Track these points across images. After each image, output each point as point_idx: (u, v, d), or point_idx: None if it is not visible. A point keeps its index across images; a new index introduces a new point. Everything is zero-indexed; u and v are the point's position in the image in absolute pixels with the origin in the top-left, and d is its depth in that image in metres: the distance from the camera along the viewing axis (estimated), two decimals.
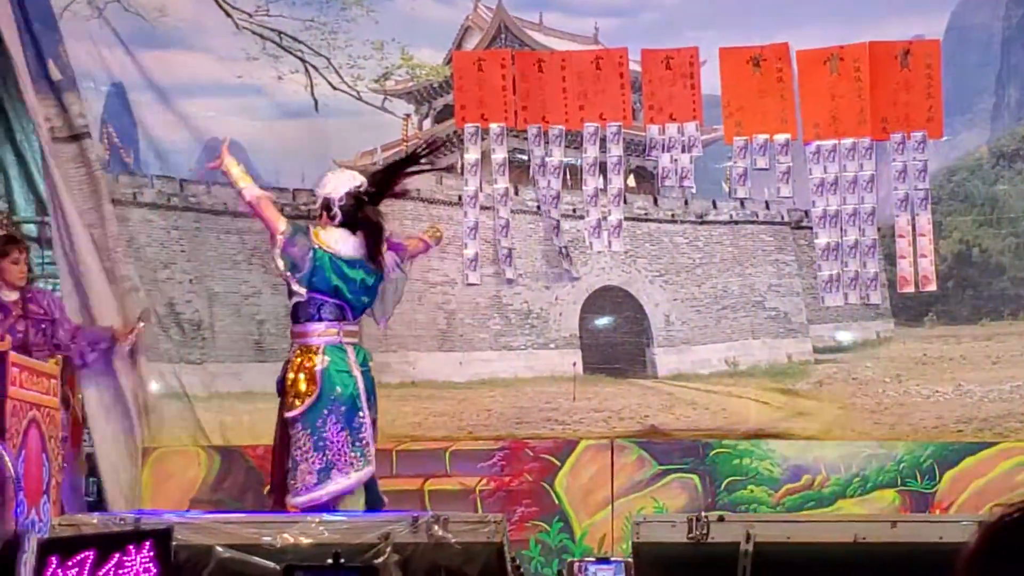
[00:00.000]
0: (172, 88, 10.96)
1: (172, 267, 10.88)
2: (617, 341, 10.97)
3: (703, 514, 6.23)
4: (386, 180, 7.75)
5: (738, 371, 10.84)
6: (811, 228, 10.19)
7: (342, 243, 7.88)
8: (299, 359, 7.72)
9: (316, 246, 7.86)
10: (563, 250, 10.05)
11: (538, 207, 10.55)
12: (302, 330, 7.91)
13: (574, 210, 10.64)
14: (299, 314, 7.88)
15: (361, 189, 7.80)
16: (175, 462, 10.29)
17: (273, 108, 11.25)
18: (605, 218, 10.12)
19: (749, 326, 10.95)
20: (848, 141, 9.83)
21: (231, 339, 10.97)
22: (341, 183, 7.77)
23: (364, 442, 7.72)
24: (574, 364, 10.73)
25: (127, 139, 10.94)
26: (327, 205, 7.80)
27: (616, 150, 10.03)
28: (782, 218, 11.12)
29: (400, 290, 7.92)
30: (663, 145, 10.01)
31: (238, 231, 11.05)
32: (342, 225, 8.13)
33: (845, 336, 10.88)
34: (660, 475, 10.08)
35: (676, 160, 10.00)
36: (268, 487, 7.88)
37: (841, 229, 9.90)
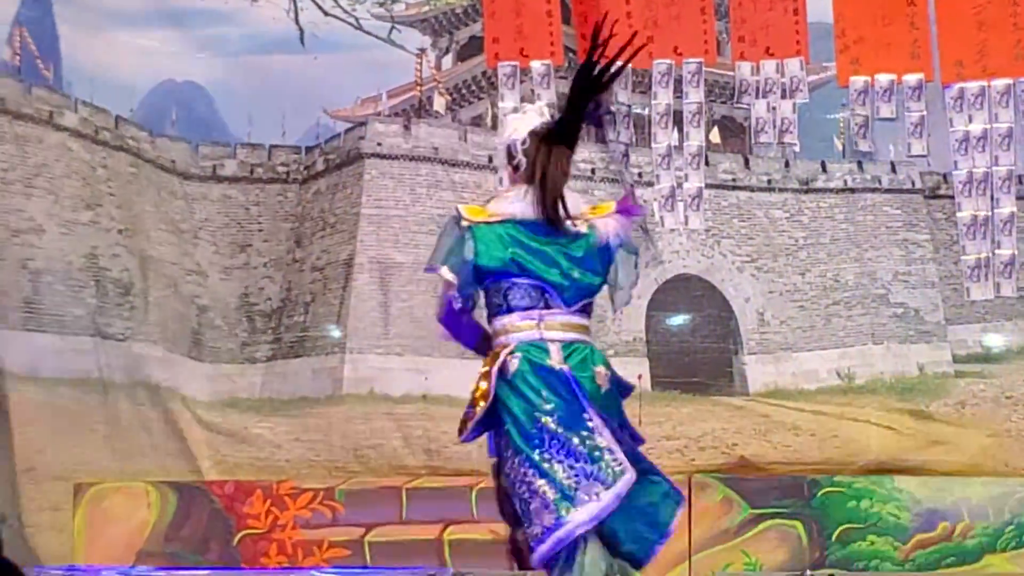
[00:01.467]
0: (115, 12, 11.05)
1: (97, 210, 10.89)
2: (695, 347, 11.04)
3: (809, 573, 6.04)
4: (574, 106, 7.16)
5: (854, 386, 10.92)
6: (951, 197, 10.04)
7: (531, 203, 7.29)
8: (483, 367, 7.27)
9: (471, 223, 7.29)
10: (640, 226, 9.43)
11: (592, 171, 10.60)
12: (492, 332, 7.39)
13: (640, 174, 10.64)
14: (488, 313, 7.37)
15: (548, 125, 7.28)
16: (117, 502, 10.20)
17: (245, 40, 11.41)
18: (680, 185, 9.93)
19: (869, 327, 11.01)
20: (1001, 83, 9.63)
21: (166, 316, 11.04)
22: (524, 123, 7.27)
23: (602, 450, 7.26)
24: (639, 377, 10.75)
25: (47, 52, 11.02)
26: (510, 153, 7.30)
27: (695, 95, 9.86)
28: (913, 184, 11.22)
29: (631, 270, 7.36)
30: (757, 89, 9.84)
31: (186, 196, 11.21)
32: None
33: (996, 340, 10.94)
34: (753, 521, 9.93)
35: (774, 108, 9.85)
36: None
37: (992, 197, 9.72)
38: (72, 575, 6.83)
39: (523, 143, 7.05)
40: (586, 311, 6.55)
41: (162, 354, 10.91)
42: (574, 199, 6.56)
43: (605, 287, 6.58)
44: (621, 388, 6.58)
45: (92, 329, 10.72)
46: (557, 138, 7.00)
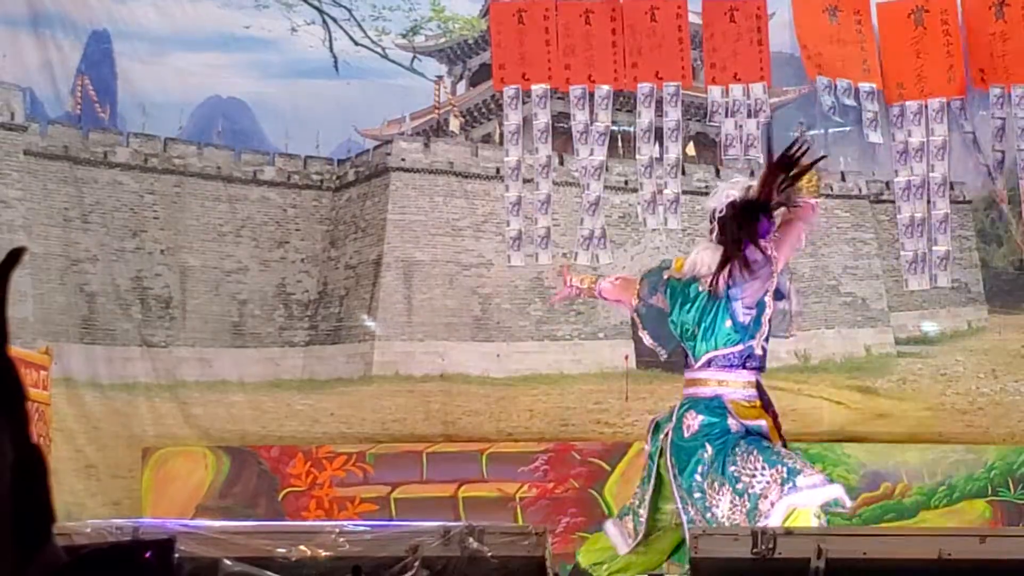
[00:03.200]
0: (168, 38, 11.09)
1: (142, 236, 10.99)
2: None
3: (768, 528, 6.25)
4: (767, 184, 6.71)
5: (810, 366, 10.88)
6: (893, 202, 10.23)
7: (700, 263, 6.77)
8: None
9: (670, 276, 7.08)
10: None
11: (625, 182, 10.73)
12: None
13: (626, 182, 10.77)
14: None
15: (744, 195, 6.86)
16: (179, 464, 10.40)
17: (285, 65, 11.36)
18: (661, 191, 10.18)
19: (822, 314, 10.99)
20: (936, 101, 9.84)
21: (203, 320, 11.09)
22: (723, 190, 6.97)
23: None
24: (626, 358, 10.80)
25: (105, 93, 11.07)
26: (711, 218, 7.02)
27: (674, 114, 10.08)
28: (859, 191, 11.14)
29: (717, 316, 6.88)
30: (727, 109, 10.03)
31: (229, 199, 11.19)
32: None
33: (932, 325, 10.93)
34: None
35: (741, 126, 10.02)
36: None
37: (929, 201, 9.91)
38: (141, 527, 7.07)
39: (720, 211, 6.91)
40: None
41: (201, 353, 11.01)
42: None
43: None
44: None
45: (139, 340, 10.90)
46: (758, 208, 6.78)
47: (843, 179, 11.15)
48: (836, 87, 9.91)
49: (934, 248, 10.00)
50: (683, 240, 11.10)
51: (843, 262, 11.11)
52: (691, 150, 11.26)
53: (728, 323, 6.56)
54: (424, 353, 10.96)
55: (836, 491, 6.66)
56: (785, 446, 6.72)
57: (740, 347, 6.62)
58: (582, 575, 7.11)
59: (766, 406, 6.76)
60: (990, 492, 10.02)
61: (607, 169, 10.45)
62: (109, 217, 10.89)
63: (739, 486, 6.52)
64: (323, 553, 6.59)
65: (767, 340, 6.71)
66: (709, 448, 6.58)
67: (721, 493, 6.59)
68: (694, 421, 6.62)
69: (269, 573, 6.50)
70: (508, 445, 10.44)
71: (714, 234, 6.63)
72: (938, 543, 6.21)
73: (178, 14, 11.05)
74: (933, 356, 10.84)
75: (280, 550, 6.61)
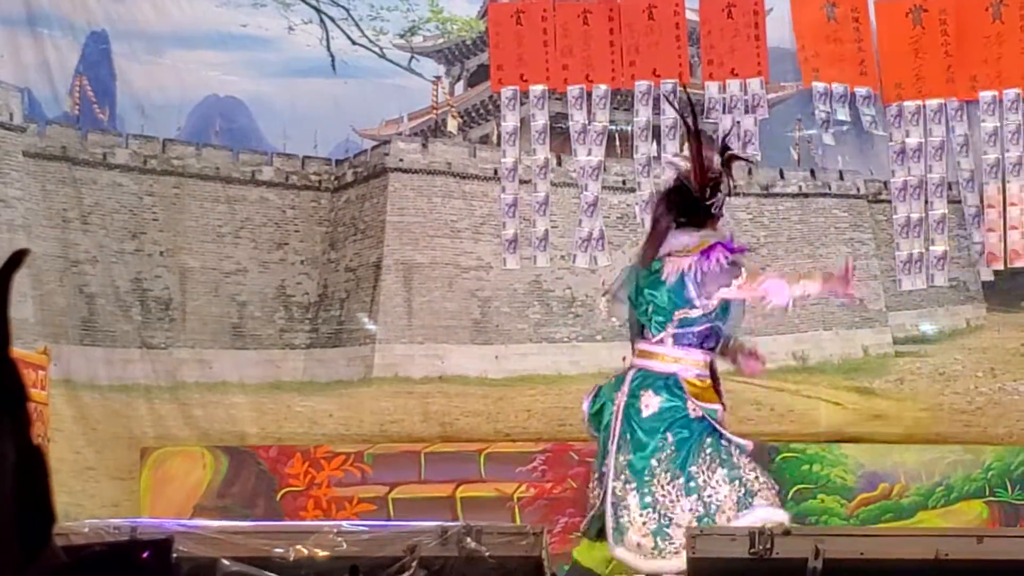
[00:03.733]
0: (165, 37, 11.09)
1: (141, 237, 10.99)
2: None
3: (767, 527, 6.28)
4: (697, 166, 6.93)
5: (807, 366, 10.89)
6: (890, 202, 10.28)
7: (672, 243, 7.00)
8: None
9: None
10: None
11: (623, 182, 10.70)
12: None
13: (624, 182, 10.73)
14: None
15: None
16: (177, 464, 10.43)
17: (282, 64, 11.33)
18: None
19: (820, 315, 10.97)
20: (934, 102, 9.89)
21: (203, 322, 11.10)
22: (669, 167, 7.32)
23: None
24: (624, 359, 10.69)
25: (103, 94, 11.07)
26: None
27: (671, 112, 10.04)
28: (858, 190, 11.12)
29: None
30: (724, 105, 10.08)
31: (228, 200, 11.17)
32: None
33: (929, 325, 10.91)
34: None
35: (738, 122, 10.06)
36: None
37: (925, 201, 9.96)
38: (139, 527, 7.10)
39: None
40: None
41: (201, 355, 11.00)
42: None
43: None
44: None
45: (138, 341, 10.88)
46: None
47: (841, 178, 11.12)
48: (832, 93, 9.93)
49: (932, 248, 10.06)
50: None
51: (841, 262, 11.06)
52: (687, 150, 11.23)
53: (688, 304, 6.73)
54: (424, 356, 10.97)
55: (782, 516, 6.84)
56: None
57: (700, 328, 6.80)
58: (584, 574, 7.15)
59: (716, 386, 6.97)
60: (988, 493, 10.04)
61: (605, 169, 10.48)
62: (108, 218, 10.90)
63: (693, 486, 6.72)
64: (321, 553, 6.61)
65: (726, 325, 6.93)
66: (670, 436, 6.75)
67: (674, 487, 6.75)
68: (653, 401, 6.77)
69: (267, 573, 6.52)
70: (506, 445, 10.48)
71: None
72: (936, 543, 6.24)
73: (175, 12, 11.05)
74: (931, 356, 10.84)
75: (278, 550, 6.64)
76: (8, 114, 10.70)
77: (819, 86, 9.91)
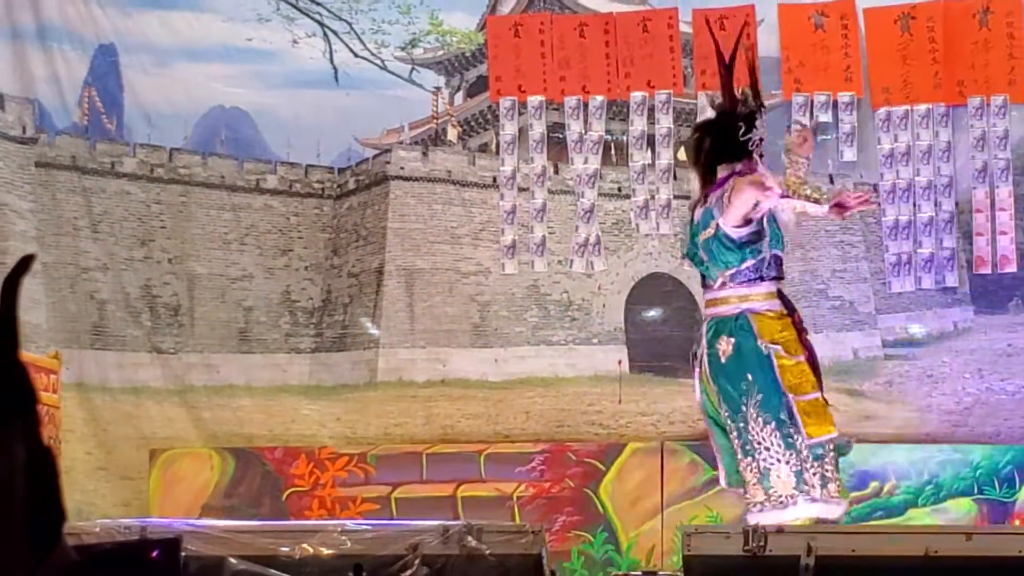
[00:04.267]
0: (173, 50, 11.13)
1: (150, 245, 11.01)
2: (666, 336, 10.97)
3: (760, 526, 6.28)
4: (725, 89, 6.79)
5: None
6: (879, 204, 10.18)
7: (693, 191, 6.96)
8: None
9: None
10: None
11: (619, 189, 10.73)
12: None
13: (619, 189, 10.75)
14: None
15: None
16: (186, 465, 10.42)
17: (286, 76, 11.39)
18: (653, 197, 10.23)
19: (810, 318, 10.61)
20: (921, 107, 9.88)
21: (211, 327, 11.10)
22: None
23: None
24: (619, 362, 10.81)
25: (111, 105, 11.11)
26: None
27: (665, 121, 10.12)
28: None
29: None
30: None
31: (233, 207, 11.19)
32: None
33: (918, 327, 10.91)
34: (714, 481, 9.58)
35: None
36: None
37: (914, 204, 9.94)
38: (148, 526, 7.10)
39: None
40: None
41: (209, 359, 11.03)
42: None
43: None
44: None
45: (148, 346, 10.91)
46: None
47: (831, 181, 11.03)
48: (813, 103, 9.92)
49: (920, 250, 10.03)
50: (675, 244, 11.06)
51: (831, 265, 11.11)
52: (682, 155, 11.15)
53: (727, 243, 6.51)
54: (426, 360, 10.97)
55: (834, 511, 6.69)
56: (812, 354, 6.71)
57: (750, 262, 6.57)
58: None
59: (790, 312, 6.72)
60: (976, 491, 10.02)
61: (601, 177, 10.48)
62: (118, 227, 10.92)
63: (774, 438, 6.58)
64: (325, 551, 6.62)
65: (779, 247, 6.69)
66: (750, 376, 6.53)
67: (767, 431, 6.59)
68: (728, 345, 6.56)
69: (273, 571, 6.53)
70: (505, 446, 10.46)
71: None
72: (925, 540, 6.25)
73: (182, 27, 11.11)
74: (919, 358, 10.83)
75: (284, 548, 6.65)
76: (21, 127, 10.71)
77: (799, 98, 9.93)
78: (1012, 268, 9.91)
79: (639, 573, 7.75)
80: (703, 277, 6.78)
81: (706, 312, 6.80)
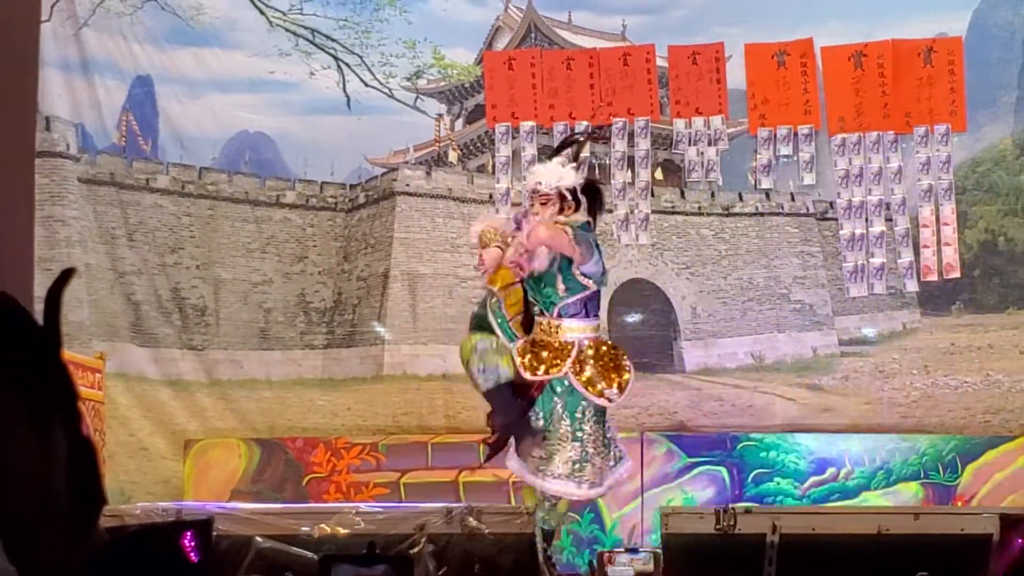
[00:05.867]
0: (204, 82, 11.19)
1: (180, 252, 11.07)
2: (644, 335, 11.01)
3: (730, 506, 6.29)
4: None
5: (764, 365, 10.89)
6: (836, 219, 10.26)
7: None
8: None
9: None
10: None
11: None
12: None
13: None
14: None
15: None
16: (216, 454, 10.44)
17: (304, 104, 11.43)
18: (633, 211, 10.23)
19: (775, 319, 11.00)
20: (873, 134, 9.92)
21: (235, 326, 11.12)
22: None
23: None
24: None
25: (147, 128, 11.16)
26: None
27: (644, 144, 10.12)
28: (807, 210, 11.18)
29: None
30: (690, 138, 10.09)
31: (256, 220, 11.23)
32: None
33: (871, 328, 10.94)
34: (689, 467, 10.10)
35: (702, 153, 10.08)
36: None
37: (866, 220, 9.96)
38: (183, 509, 7.07)
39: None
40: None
41: (233, 355, 11.04)
42: None
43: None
44: None
45: (179, 343, 10.92)
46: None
47: (792, 199, 11.23)
48: (776, 136, 9.94)
49: (872, 260, 10.07)
50: (652, 254, 11.15)
51: (793, 272, 11.12)
52: (659, 175, 11.29)
53: None
54: (428, 356, 10.99)
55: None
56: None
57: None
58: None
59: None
60: (923, 475, 10.06)
61: None
62: (151, 236, 10.97)
63: None
64: (342, 531, 6.63)
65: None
66: None
67: None
68: None
69: (295, 548, 6.52)
70: None
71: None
72: (877, 520, 6.28)
73: (212, 61, 11.18)
74: (872, 355, 10.87)
75: (304, 528, 6.67)
76: (65, 145, 10.76)
77: (763, 132, 9.98)
78: (956, 275, 9.95)
79: (622, 550, 7.70)
80: None
81: None
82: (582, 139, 7.03)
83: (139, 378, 10.73)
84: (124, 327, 10.77)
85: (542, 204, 6.42)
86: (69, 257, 10.46)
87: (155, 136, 11.16)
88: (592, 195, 6.44)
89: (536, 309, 6.47)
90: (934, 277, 9.96)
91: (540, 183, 6.41)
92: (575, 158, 6.63)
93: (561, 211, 6.35)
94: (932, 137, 9.82)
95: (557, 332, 6.33)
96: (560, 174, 6.41)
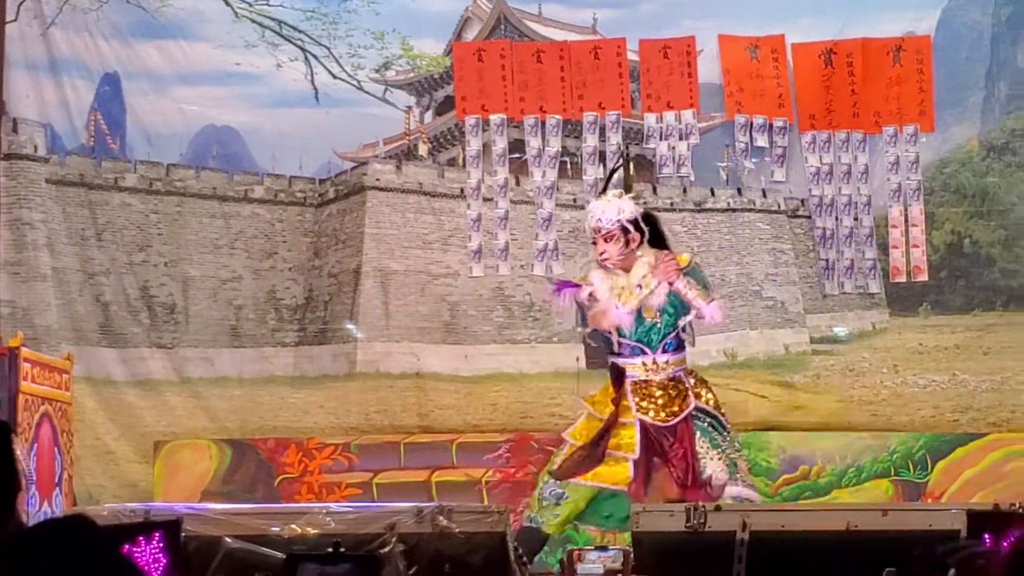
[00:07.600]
0: (170, 76, 11.26)
1: (148, 250, 11.12)
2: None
3: (700, 504, 6.38)
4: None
5: (736, 362, 10.99)
6: (808, 217, 10.43)
7: None
8: None
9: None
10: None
11: (574, 200, 10.85)
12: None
13: (575, 200, 10.85)
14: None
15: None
16: (187, 455, 10.49)
17: (271, 96, 11.49)
18: None
19: (747, 316, 11.12)
20: (842, 133, 10.02)
21: (204, 324, 11.19)
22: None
23: None
24: (577, 359, 10.72)
25: (115, 127, 11.23)
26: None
27: (615, 138, 10.15)
28: (779, 207, 11.30)
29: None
30: (661, 133, 10.14)
31: (224, 215, 11.29)
32: None
33: (842, 326, 11.09)
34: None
35: (674, 148, 10.13)
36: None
37: (836, 218, 10.09)
38: (152, 510, 7.14)
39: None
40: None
41: (203, 353, 11.12)
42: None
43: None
44: None
45: (148, 342, 11.02)
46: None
47: (764, 195, 11.34)
48: (752, 125, 10.05)
49: (842, 258, 10.17)
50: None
51: (764, 270, 11.24)
52: (631, 170, 11.36)
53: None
54: (401, 353, 11.07)
55: None
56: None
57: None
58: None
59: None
60: (893, 473, 10.20)
61: (558, 189, 10.53)
62: (119, 235, 11.04)
63: None
64: (312, 531, 6.67)
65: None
66: None
67: None
68: None
69: (264, 548, 6.59)
70: (475, 436, 10.59)
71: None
72: (847, 516, 6.39)
73: (177, 54, 11.23)
74: (843, 354, 11.00)
75: (274, 528, 6.70)
76: (33, 147, 10.81)
77: (740, 118, 10.04)
78: (924, 277, 10.07)
79: (592, 548, 7.82)
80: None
81: None
82: (622, 164, 7.29)
83: (107, 381, 10.80)
84: (93, 330, 10.84)
85: (605, 240, 6.74)
86: (36, 260, 10.57)
87: (123, 134, 11.24)
88: (652, 223, 6.69)
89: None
90: (903, 278, 10.07)
91: (600, 220, 6.70)
92: (628, 188, 6.88)
93: (627, 244, 6.62)
94: (901, 137, 9.91)
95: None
96: (619, 206, 6.71)
